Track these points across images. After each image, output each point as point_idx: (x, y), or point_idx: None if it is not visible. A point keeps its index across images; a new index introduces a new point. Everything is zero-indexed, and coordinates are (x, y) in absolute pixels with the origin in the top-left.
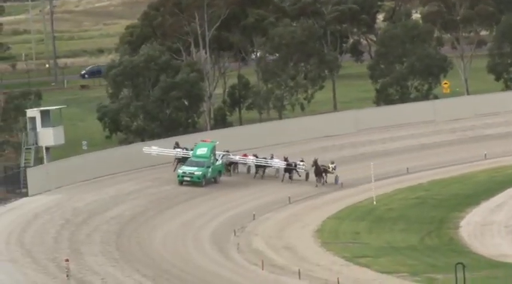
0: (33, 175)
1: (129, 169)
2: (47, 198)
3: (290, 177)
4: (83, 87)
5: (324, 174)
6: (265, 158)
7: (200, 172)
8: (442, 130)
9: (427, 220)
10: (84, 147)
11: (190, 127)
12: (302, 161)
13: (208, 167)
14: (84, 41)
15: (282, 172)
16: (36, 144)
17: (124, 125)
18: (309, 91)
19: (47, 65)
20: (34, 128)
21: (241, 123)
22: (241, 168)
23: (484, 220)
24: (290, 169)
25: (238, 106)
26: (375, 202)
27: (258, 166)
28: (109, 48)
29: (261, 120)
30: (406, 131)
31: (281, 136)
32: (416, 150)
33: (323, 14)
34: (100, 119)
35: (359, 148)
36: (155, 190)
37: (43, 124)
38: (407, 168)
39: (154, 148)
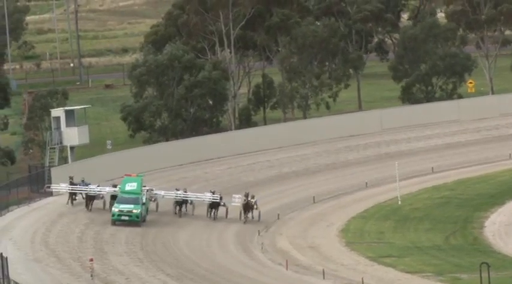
0: (58, 175)
1: (154, 168)
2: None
3: (214, 214)
4: (107, 86)
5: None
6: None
7: (138, 210)
8: (467, 129)
9: (451, 219)
10: (109, 147)
11: (215, 127)
12: (213, 192)
13: (144, 204)
14: (108, 40)
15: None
16: (61, 143)
17: (148, 124)
18: (334, 90)
19: (72, 64)
20: (59, 128)
21: (265, 123)
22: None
23: (508, 219)
24: (216, 204)
25: (262, 105)
26: (399, 202)
27: (177, 203)
28: (133, 48)
29: (285, 120)
30: (431, 130)
31: (306, 136)
32: (441, 149)
33: (348, 13)
34: (124, 119)
35: (384, 147)
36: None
37: (68, 124)
38: (432, 168)
39: (62, 186)
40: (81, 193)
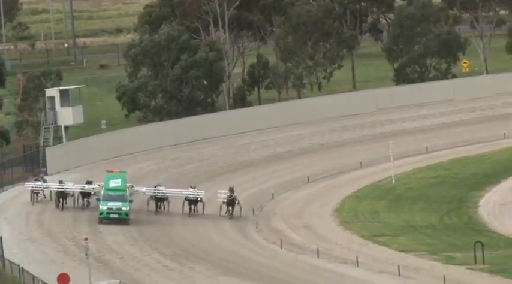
0: (52, 155)
1: (149, 148)
2: (65, 177)
3: (194, 210)
4: (102, 66)
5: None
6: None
7: (127, 208)
8: (462, 109)
9: (446, 199)
10: (103, 127)
11: (209, 107)
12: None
13: (131, 201)
14: (103, 21)
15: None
16: (55, 123)
17: (142, 104)
18: (328, 70)
19: (66, 45)
20: (53, 107)
21: (260, 103)
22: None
23: (503, 199)
24: (194, 200)
25: (257, 85)
26: (394, 181)
27: (157, 199)
28: (128, 28)
29: (280, 100)
30: (426, 110)
31: (300, 116)
32: (436, 129)
33: None
34: (119, 98)
35: (378, 127)
36: (175, 169)
37: (62, 104)
38: (427, 147)
39: (38, 183)
40: (42, 191)
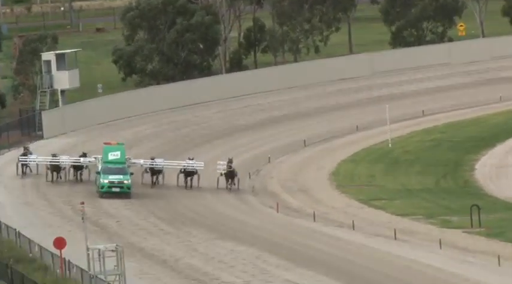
0: (49, 118)
1: (145, 112)
2: (62, 141)
3: (191, 182)
4: (98, 30)
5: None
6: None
7: (129, 181)
8: (458, 72)
9: (442, 162)
10: (100, 90)
11: (206, 70)
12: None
13: (132, 174)
14: None
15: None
16: (52, 87)
17: (139, 68)
18: (325, 34)
19: (62, 8)
20: (49, 71)
21: (256, 66)
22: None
23: (499, 162)
24: (190, 172)
25: (253, 49)
26: (390, 145)
27: (152, 171)
28: None
29: (276, 63)
30: (422, 74)
31: (296, 79)
32: (432, 92)
33: None
34: (115, 62)
35: (375, 91)
36: (171, 133)
37: (58, 68)
38: (423, 111)
39: (32, 157)
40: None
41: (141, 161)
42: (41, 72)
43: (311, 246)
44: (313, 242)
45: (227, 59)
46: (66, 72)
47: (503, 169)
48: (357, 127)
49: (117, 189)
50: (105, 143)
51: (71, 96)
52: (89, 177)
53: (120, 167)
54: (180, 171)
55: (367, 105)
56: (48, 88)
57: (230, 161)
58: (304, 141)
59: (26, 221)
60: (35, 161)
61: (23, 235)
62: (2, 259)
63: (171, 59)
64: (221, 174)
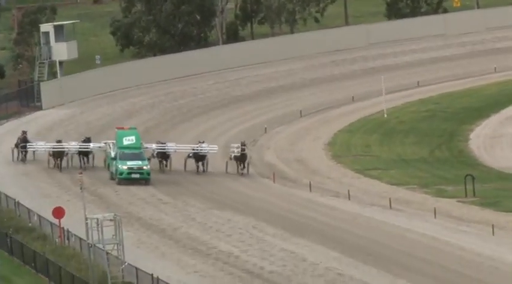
0: (47, 89)
1: (142, 83)
2: (60, 111)
3: (204, 166)
4: (95, 1)
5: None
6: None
7: (148, 166)
8: (453, 43)
9: (437, 132)
10: (97, 62)
11: (202, 42)
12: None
13: (149, 159)
14: None
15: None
16: (50, 58)
17: (136, 39)
18: (321, 5)
19: None
20: (48, 43)
21: (253, 38)
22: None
23: (493, 132)
24: (200, 155)
25: (250, 20)
26: (385, 115)
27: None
28: None
29: (273, 35)
30: (417, 45)
31: (292, 51)
32: (427, 63)
33: None
34: (113, 34)
35: (370, 62)
36: (168, 104)
37: (57, 39)
38: (418, 82)
39: (40, 144)
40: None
41: (153, 145)
42: (40, 44)
43: (307, 216)
44: (309, 212)
45: (224, 30)
46: (65, 43)
47: (497, 139)
48: (353, 98)
49: (137, 175)
50: (117, 128)
51: (69, 67)
52: (93, 163)
53: (136, 152)
54: (188, 155)
55: (362, 76)
56: (47, 59)
57: (243, 144)
58: (300, 111)
59: (25, 192)
60: (42, 148)
61: (22, 205)
62: (1, 229)
63: (168, 31)
64: (230, 158)
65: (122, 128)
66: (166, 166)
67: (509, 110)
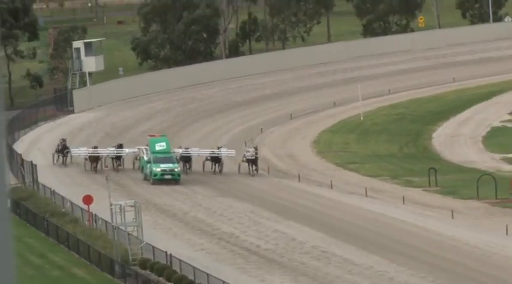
0: (78, 96)
1: (158, 90)
2: (89, 114)
3: (218, 167)
4: (119, 22)
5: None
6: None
7: (179, 169)
8: (418, 57)
9: (405, 132)
10: (121, 73)
11: (209, 56)
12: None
13: (178, 162)
14: None
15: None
16: (81, 70)
17: (153, 54)
18: (308, 26)
19: (89, 4)
20: (79, 57)
21: (251, 52)
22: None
23: (453, 132)
24: (217, 158)
25: (248, 38)
26: (362, 118)
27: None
28: None
29: (267, 50)
30: (388, 59)
31: (284, 63)
32: (397, 74)
33: None
34: (133, 49)
35: (349, 73)
36: (180, 108)
37: (86, 54)
38: (389, 89)
39: (82, 149)
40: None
41: (180, 150)
42: (72, 58)
43: (296, 202)
44: (298, 199)
45: (226, 46)
46: (93, 57)
47: (456, 138)
48: (334, 103)
49: (169, 176)
50: (150, 135)
51: (97, 78)
52: (123, 165)
53: (167, 156)
54: (206, 158)
55: (342, 84)
56: (78, 71)
57: (256, 148)
58: (291, 114)
59: (60, 181)
60: (83, 153)
61: (57, 193)
62: (39, 213)
63: (179, 47)
64: (243, 160)
65: (154, 136)
66: (189, 168)
67: (466, 113)
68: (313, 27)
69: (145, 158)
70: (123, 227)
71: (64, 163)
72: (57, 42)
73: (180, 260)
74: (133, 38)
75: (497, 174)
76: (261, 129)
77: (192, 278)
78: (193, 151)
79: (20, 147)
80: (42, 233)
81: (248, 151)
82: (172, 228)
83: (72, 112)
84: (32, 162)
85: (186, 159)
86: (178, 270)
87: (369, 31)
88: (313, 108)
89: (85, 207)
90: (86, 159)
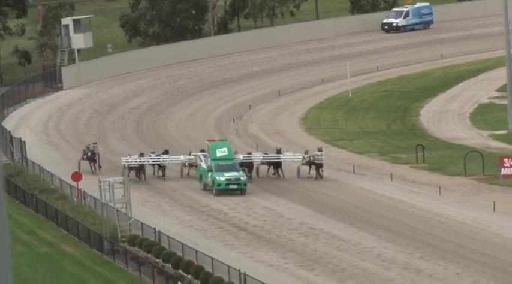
0: (67, 73)
1: (147, 67)
2: (78, 91)
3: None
4: None
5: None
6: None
7: (245, 177)
8: (406, 35)
9: (393, 109)
10: (109, 49)
11: (197, 33)
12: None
13: (243, 169)
14: None
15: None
16: (70, 46)
17: (142, 31)
18: (296, 2)
19: None
20: (68, 33)
21: (239, 30)
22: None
23: (440, 109)
24: (277, 162)
25: (237, 15)
26: (350, 95)
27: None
28: None
29: (256, 27)
30: (376, 35)
31: (272, 40)
32: (385, 51)
33: None
34: (122, 26)
35: (337, 50)
36: (169, 85)
37: (75, 30)
38: (377, 67)
39: (133, 157)
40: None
41: (240, 156)
42: (61, 34)
43: (284, 179)
44: (286, 175)
45: (215, 23)
46: (82, 34)
47: (444, 114)
48: (322, 80)
49: (235, 186)
50: (208, 140)
51: (86, 54)
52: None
53: (230, 163)
54: (262, 162)
55: (330, 61)
56: (67, 47)
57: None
58: (279, 91)
59: (49, 158)
60: (134, 162)
61: (46, 170)
62: (28, 190)
63: (168, 24)
64: (302, 163)
65: (213, 140)
66: (250, 176)
67: (454, 90)
68: (301, 3)
69: (204, 166)
70: (111, 204)
71: (94, 172)
72: (46, 19)
73: (168, 237)
74: (122, 15)
75: (485, 151)
76: (250, 105)
77: (181, 254)
78: (256, 157)
79: (8, 123)
80: (31, 210)
81: (317, 155)
82: (161, 205)
83: (61, 89)
84: (21, 138)
85: (248, 165)
86: (167, 247)
87: (356, 8)
88: (301, 85)
89: (74, 183)
90: (124, 166)
